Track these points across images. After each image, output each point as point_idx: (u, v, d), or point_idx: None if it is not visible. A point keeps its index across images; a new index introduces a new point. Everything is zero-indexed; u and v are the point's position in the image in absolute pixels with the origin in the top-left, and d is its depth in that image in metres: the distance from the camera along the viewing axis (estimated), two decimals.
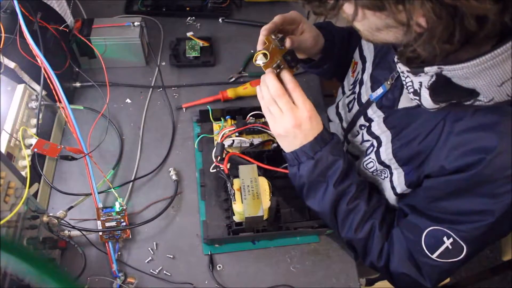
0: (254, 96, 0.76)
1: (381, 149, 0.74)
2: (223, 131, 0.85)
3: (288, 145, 0.73)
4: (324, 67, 0.90)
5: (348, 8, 0.52)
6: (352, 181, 0.72)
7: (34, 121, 0.81)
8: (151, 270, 0.77)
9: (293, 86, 0.72)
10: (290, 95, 0.71)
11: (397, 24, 0.50)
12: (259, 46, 0.74)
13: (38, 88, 0.82)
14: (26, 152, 0.75)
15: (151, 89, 1.00)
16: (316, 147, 0.70)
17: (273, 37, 0.75)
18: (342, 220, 0.73)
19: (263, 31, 0.75)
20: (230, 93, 0.98)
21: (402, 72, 0.62)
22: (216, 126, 0.91)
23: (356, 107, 0.83)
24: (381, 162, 0.74)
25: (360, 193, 0.72)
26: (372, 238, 0.73)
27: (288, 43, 0.76)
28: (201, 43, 1.04)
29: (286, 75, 0.73)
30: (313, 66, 0.91)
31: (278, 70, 0.75)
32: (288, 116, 0.70)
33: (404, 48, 0.54)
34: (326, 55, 0.88)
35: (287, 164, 0.76)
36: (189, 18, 1.14)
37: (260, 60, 0.73)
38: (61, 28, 0.89)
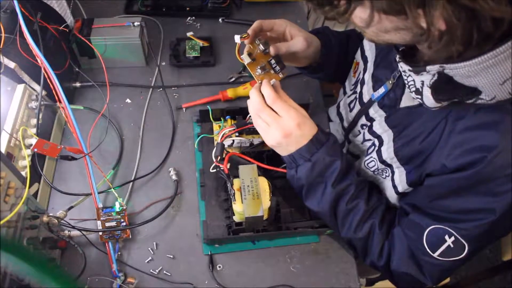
0: None
1: (382, 148, 0.74)
2: (223, 131, 0.85)
3: (284, 152, 0.73)
4: (324, 72, 0.90)
5: (361, 12, 0.50)
6: (351, 181, 0.72)
7: (34, 121, 0.80)
8: (151, 270, 0.77)
9: (272, 99, 0.71)
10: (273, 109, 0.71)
11: (411, 27, 0.49)
12: (244, 51, 0.77)
13: (38, 88, 0.82)
14: (26, 152, 0.75)
15: (151, 89, 1.00)
16: (312, 149, 0.70)
17: (256, 42, 0.77)
18: (341, 219, 0.73)
19: (249, 38, 0.76)
20: (230, 93, 0.98)
21: (404, 71, 0.62)
22: (216, 126, 0.91)
23: (357, 107, 0.83)
24: (383, 161, 0.74)
25: (359, 193, 0.72)
26: (372, 238, 0.73)
27: (272, 50, 0.76)
28: (201, 43, 1.04)
29: (265, 89, 0.72)
30: (313, 71, 0.91)
31: (263, 72, 0.77)
32: (275, 127, 0.70)
33: (421, 54, 0.53)
34: (324, 60, 0.87)
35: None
36: (189, 18, 1.14)
37: (244, 58, 0.76)
38: (61, 28, 0.88)
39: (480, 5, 0.43)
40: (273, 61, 0.77)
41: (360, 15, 0.51)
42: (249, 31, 0.77)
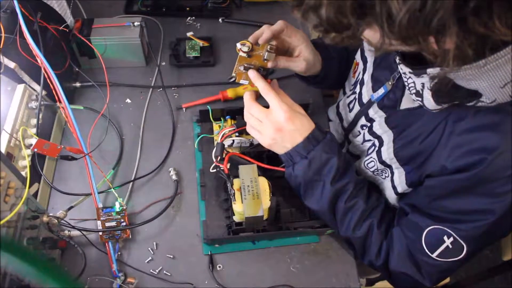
0: None
1: (382, 149, 0.74)
2: (223, 131, 0.85)
3: (281, 150, 0.73)
4: (326, 82, 0.90)
5: (371, 35, 0.49)
6: (349, 179, 0.72)
7: (34, 121, 0.81)
8: (151, 270, 0.77)
9: (265, 91, 0.72)
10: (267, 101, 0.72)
11: (425, 50, 0.48)
12: (251, 38, 0.76)
13: (38, 88, 0.82)
14: (26, 152, 0.75)
15: (151, 89, 1.00)
16: (309, 146, 0.71)
17: (267, 47, 0.75)
18: (340, 218, 0.73)
19: (264, 37, 0.75)
20: (230, 93, 0.98)
21: (404, 73, 0.62)
22: (216, 126, 0.91)
23: (357, 107, 0.83)
24: (382, 162, 0.74)
25: (358, 192, 0.72)
26: (371, 237, 0.73)
27: (269, 65, 0.76)
28: (201, 43, 1.04)
29: (259, 82, 0.73)
30: (315, 83, 0.91)
31: (245, 71, 0.76)
32: (267, 123, 0.71)
33: (432, 61, 0.53)
34: (326, 72, 0.87)
35: None
36: (189, 18, 1.14)
37: (242, 46, 0.74)
38: (61, 28, 0.88)
39: (493, 31, 0.42)
40: (261, 70, 0.76)
41: (369, 38, 0.49)
42: (268, 30, 0.76)
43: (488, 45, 0.46)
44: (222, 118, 0.91)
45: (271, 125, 0.71)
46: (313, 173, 0.71)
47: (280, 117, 0.70)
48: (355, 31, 0.47)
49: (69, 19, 0.92)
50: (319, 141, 0.71)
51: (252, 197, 0.73)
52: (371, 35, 0.49)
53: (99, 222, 0.77)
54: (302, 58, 0.80)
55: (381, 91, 0.74)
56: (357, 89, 0.84)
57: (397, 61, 0.62)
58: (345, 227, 0.73)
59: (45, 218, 0.68)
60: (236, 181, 0.75)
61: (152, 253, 0.79)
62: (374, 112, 0.76)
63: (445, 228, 0.65)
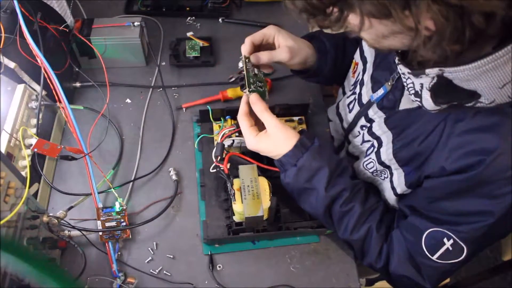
0: None
1: (381, 150, 0.74)
2: (223, 131, 0.85)
3: (273, 155, 0.75)
4: (321, 76, 0.90)
5: (353, 19, 0.50)
6: (345, 185, 0.71)
7: (34, 121, 0.81)
8: (151, 270, 0.77)
9: (238, 115, 0.76)
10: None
11: (404, 30, 0.48)
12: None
13: (38, 88, 0.82)
14: (26, 152, 0.75)
15: (151, 89, 1.00)
16: (298, 153, 0.71)
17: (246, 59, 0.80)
18: (337, 221, 0.73)
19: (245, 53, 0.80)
20: (230, 93, 0.98)
21: (403, 74, 0.62)
22: (216, 126, 0.91)
23: (356, 108, 0.83)
24: (381, 163, 0.74)
25: (354, 196, 0.72)
26: (370, 240, 0.72)
27: (252, 59, 0.79)
28: (201, 43, 1.04)
29: (241, 102, 0.77)
30: (308, 76, 0.91)
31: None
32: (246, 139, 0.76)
33: (414, 53, 0.53)
34: (320, 65, 0.87)
35: None
36: (189, 18, 1.14)
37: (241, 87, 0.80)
38: (61, 28, 0.88)
39: (468, 1, 0.42)
40: (238, 80, 0.79)
41: (353, 21, 0.51)
42: (244, 52, 0.79)
43: (467, 20, 0.45)
44: (222, 118, 0.91)
45: (249, 144, 0.76)
46: (304, 180, 0.71)
47: (249, 145, 0.75)
48: (340, 14, 0.50)
49: (69, 19, 0.92)
50: (307, 149, 0.71)
51: (252, 197, 0.73)
52: (354, 20, 0.50)
53: (99, 222, 0.77)
54: (282, 46, 0.81)
55: (380, 92, 0.74)
56: (357, 90, 0.84)
57: (396, 61, 0.62)
58: (343, 230, 0.73)
59: (45, 218, 0.68)
60: (236, 181, 0.75)
61: (152, 253, 0.79)
62: (374, 112, 0.76)
63: (445, 230, 0.65)
